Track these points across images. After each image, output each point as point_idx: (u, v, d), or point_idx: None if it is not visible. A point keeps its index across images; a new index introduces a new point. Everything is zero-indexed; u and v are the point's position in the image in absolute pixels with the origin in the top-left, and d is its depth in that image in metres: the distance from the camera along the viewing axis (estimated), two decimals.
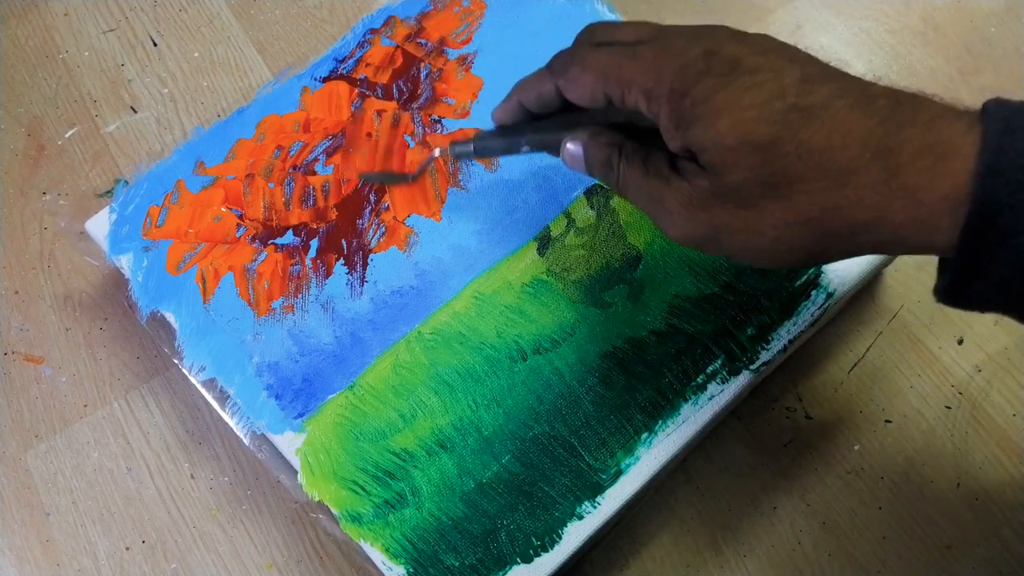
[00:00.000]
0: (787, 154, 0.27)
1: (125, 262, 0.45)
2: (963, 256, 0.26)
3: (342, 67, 0.50)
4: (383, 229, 0.45)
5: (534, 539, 0.39)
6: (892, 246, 0.28)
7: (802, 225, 0.28)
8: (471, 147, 0.39)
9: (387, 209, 0.46)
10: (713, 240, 0.30)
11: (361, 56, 0.50)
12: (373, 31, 0.51)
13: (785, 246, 0.29)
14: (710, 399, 0.41)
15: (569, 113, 0.35)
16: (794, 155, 0.27)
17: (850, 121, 0.27)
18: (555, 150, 0.36)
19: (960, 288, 0.27)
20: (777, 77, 0.28)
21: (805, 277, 0.43)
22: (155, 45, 0.57)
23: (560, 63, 0.34)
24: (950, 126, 0.26)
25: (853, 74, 0.29)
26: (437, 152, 0.41)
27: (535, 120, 0.37)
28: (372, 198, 0.46)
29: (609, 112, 0.34)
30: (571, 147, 0.34)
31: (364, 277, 0.44)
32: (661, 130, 0.30)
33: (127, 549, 0.43)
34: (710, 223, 0.30)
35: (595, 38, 0.34)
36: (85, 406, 0.47)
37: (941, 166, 0.26)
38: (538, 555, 0.38)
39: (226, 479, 0.45)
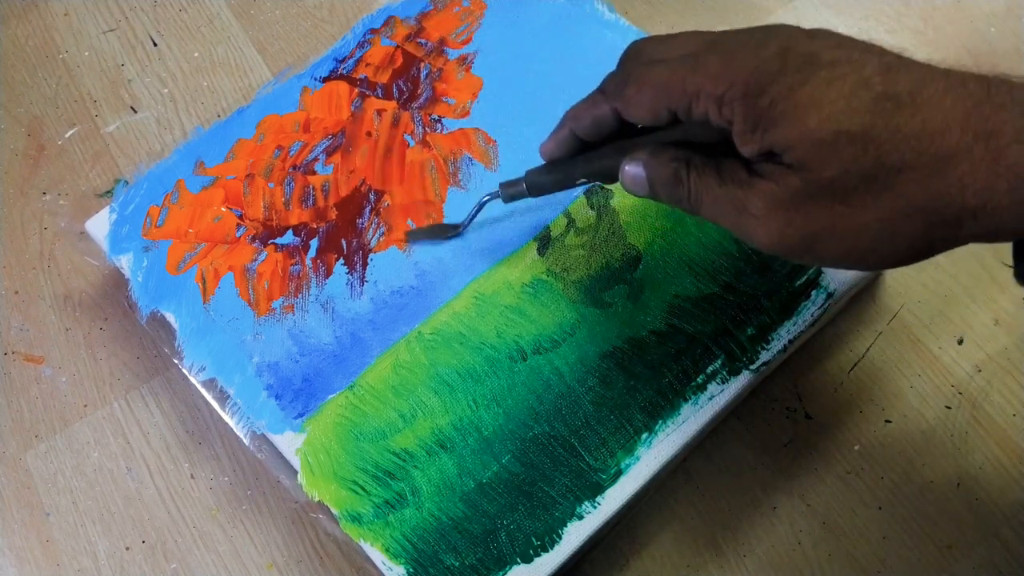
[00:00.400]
0: (883, 142, 0.26)
1: (125, 262, 0.45)
2: None
3: (342, 67, 0.50)
4: (383, 229, 0.45)
5: (534, 539, 0.39)
6: (995, 233, 0.27)
7: (907, 217, 0.27)
8: (523, 186, 0.37)
9: (387, 208, 0.46)
10: (810, 242, 0.29)
11: (361, 56, 0.50)
12: (373, 31, 0.51)
13: (890, 242, 0.28)
14: (710, 399, 0.41)
15: (620, 140, 0.34)
16: (891, 143, 0.26)
17: (944, 105, 0.26)
18: (611, 178, 0.35)
19: None
20: (857, 68, 0.27)
21: (805, 277, 0.43)
22: (155, 45, 0.57)
23: (615, 84, 0.33)
24: None
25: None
26: (486, 197, 0.40)
27: (587, 150, 0.35)
28: (372, 197, 0.46)
29: (664, 133, 0.33)
30: (631, 169, 0.33)
31: (364, 277, 0.44)
32: (734, 136, 0.29)
33: (127, 549, 0.43)
34: (806, 224, 0.28)
35: (645, 55, 0.33)
36: (85, 406, 0.47)
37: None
38: (538, 555, 0.38)
39: (226, 479, 0.45)
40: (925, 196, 0.27)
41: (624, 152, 0.34)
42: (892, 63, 0.27)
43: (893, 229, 0.28)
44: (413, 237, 0.45)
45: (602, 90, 0.34)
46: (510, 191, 0.38)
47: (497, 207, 0.45)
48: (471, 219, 0.43)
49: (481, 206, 0.42)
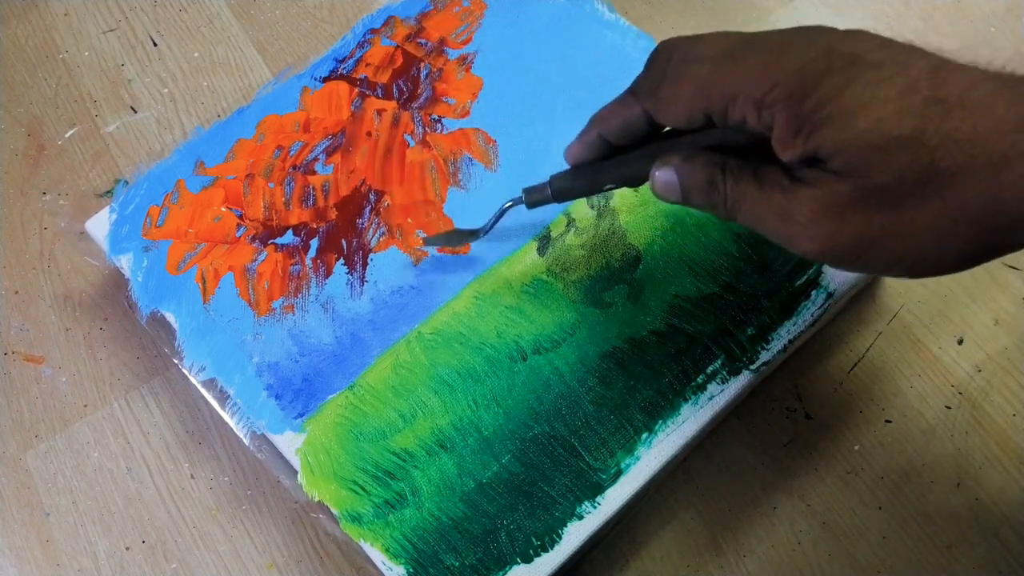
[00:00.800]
0: (935, 147, 0.26)
1: (125, 262, 0.45)
2: None
3: (342, 67, 0.50)
4: (383, 229, 0.45)
5: (534, 539, 0.39)
6: None
7: (959, 223, 0.26)
8: (548, 192, 0.36)
9: (387, 208, 0.46)
10: (860, 250, 0.28)
11: (361, 56, 0.50)
12: (373, 31, 0.51)
13: (942, 248, 0.27)
14: (710, 399, 0.41)
15: (650, 144, 0.33)
16: (942, 148, 0.25)
17: (997, 108, 0.25)
18: (641, 182, 0.34)
19: None
20: (904, 70, 0.26)
21: (805, 277, 0.43)
22: (155, 45, 0.57)
23: (648, 83, 0.31)
24: None
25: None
26: (508, 203, 0.39)
27: (614, 154, 0.34)
28: (372, 198, 0.46)
29: (695, 137, 0.32)
30: (663, 175, 0.32)
31: (364, 277, 0.44)
32: (774, 141, 0.28)
33: (127, 549, 0.43)
34: (857, 232, 0.27)
35: (679, 54, 0.31)
36: (85, 406, 0.47)
37: None
38: (538, 555, 0.38)
39: (226, 479, 0.45)
40: (978, 202, 0.26)
41: (654, 156, 0.32)
42: (939, 65, 0.27)
43: (945, 235, 0.27)
44: (432, 243, 0.44)
45: (633, 91, 0.32)
46: (534, 197, 0.36)
47: (497, 207, 0.45)
48: (492, 225, 0.42)
49: (503, 212, 0.41)
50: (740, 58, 0.29)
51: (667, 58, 0.31)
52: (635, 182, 0.34)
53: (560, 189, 0.36)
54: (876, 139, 0.26)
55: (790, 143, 0.28)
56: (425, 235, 0.44)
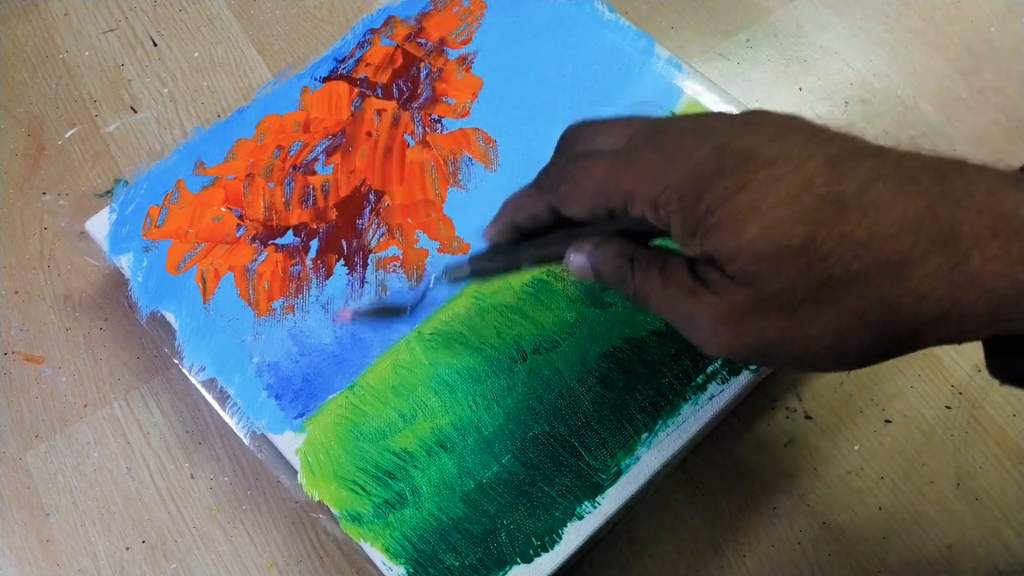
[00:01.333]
0: (828, 253, 0.24)
1: (125, 262, 0.45)
2: None
3: (342, 67, 0.50)
4: (383, 229, 0.45)
5: (534, 539, 0.39)
6: (960, 338, 0.25)
7: (857, 329, 0.25)
8: (467, 270, 0.36)
9: (388, 208, 0.46)
10: (760, 353, 0.27)
11: (361, 56, 0.50)
12: (373, 31, 0.51)
13: (839, 352, 0.26)
14: (710, 399, 0.41)
15: (566, 228, 0.33)
16: (836, 253, 0.24)
17: (895, 206, 0.24)
18: (558, 263, 0.34)
19: None
20: (799, 166, 0.25)
21: None
22: (155, 45, 0.57)
23: (549, 181, 0.31)
24: (1011, 199, 0.23)
25: (879, 143, 0.26)
26: (431, 281, 0.40)
27: (531, 236, 0.34)
28: (372, 198, 0.46)
29: (614, 219, 0.31)
30: (576, 259, 0.31)
31: (364, 277, 0.44)
32: (675, 239, 0.28)
33: (127, 549, 0.43)
34: (755, 337, 0.26)
35: (580, 146, 0.31)
36: (85, 406, 0.47)
37: (1012, 248, 0.23)
38: (538, 555, 0.38)
39: (226, 479, 0.45)
40: (877, 308, 0.24)
41: (570, 240, 0.32)
42: (837, 156, 0.25)
43: (842, 340, 0.25)
44: (360, 319, 0.43)
45: (538, 184, 0.32)
46: (455, 275, 0.37)
47: (497, 207, 0.45)
48: (418, 301, 0.43)
49: (428, 288, 0.42)
50: (635, 156, 0.28)
51: (570, 150, 0.31)
52: (552, 262, 0.34)
53: (478, 269, 0.36)
54: (766, 248, 0.25)
55: (688, 242, 0.27)
56: (356, 310, 0.43)
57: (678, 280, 0.28)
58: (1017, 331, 0.24)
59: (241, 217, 0.46)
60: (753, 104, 0.49)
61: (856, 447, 0.44)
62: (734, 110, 0.48)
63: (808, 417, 0.45)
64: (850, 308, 0.25)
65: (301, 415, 0.41)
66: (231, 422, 0.42)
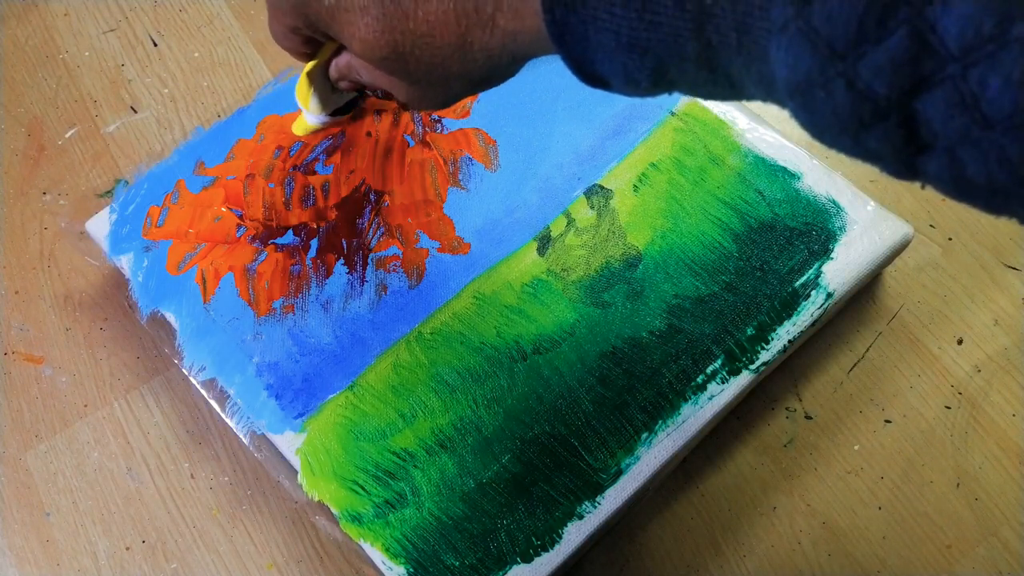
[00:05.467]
0: (410, 50, 0.30)
1: (125, 262, 0.45)
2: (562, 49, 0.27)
3: None
4: (383, 229, 0.45)
5: (534, 539, 0.39)
6: (521, 60, 0.31)
7: (454, 89, 0.32)
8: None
9: (387, 208, 0.46)
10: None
11: None
12: None
13: (448, 100, 0.33)
14: (710, 399, 0.41)
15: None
16: (416, 47, 0.30)
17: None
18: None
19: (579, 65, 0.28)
20: None
21: (805, 277, 0.43)
22: (155, 45, 0.57)
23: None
24: None
25: None
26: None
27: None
28: (372, 197, 0.46)
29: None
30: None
31: (364, 277, 0.44)
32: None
33: (127, 549, 0.43)
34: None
35: None
36: (85, 406, 0.47)
37: (523, 8, 0.27)
38: (538, 555, 0.38)
39: (226, 479, 0.45)
40: (458, 77, 0.31)
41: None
42: None
43: (450, 95, 0.33)
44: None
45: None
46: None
47: (497, 208, 0.45)
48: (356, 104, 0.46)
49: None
50: None
51: None
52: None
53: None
54: (370, 57, 0.32)
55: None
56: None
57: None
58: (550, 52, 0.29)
59: (241, 217, 0.46)
60: (754, 107, 0.49)
61: (856, 447, 0.44)
62: (734, 109, 0.48)
63: (808, 417, 0.45)
64: (438, 82, 0.31)
65: (301, 415, 0.41)
66: (231, 422, 0.42)
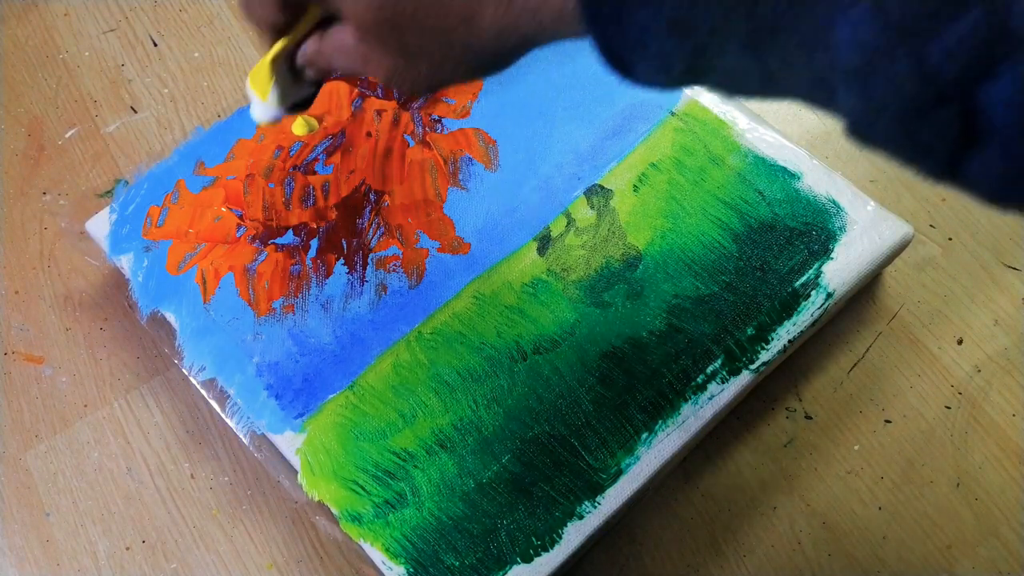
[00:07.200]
0: (411, 20, 0.27)
1: (125, 262, 0.45)
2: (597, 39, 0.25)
3: None
4: (383, 229, 0.45)
5: (534, 539, 0.39)
6: (533, 44, 0.28)
7: (455, 62, 0.29)
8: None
9: (387, 208, 0.46)
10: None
11: None
12: None
13: (444, 79, 0.30)
14: (710, 399, 0.41)
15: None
16: (419, 17, 0.27)
17: None
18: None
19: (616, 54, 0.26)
20: None
21: (805, 277, 0.43)
22: (155, 45, 0.57)
23: None
24: None
25: None
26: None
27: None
28: (372, 197, 0.46)
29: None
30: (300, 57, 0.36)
31: (364, 277, 0.44)
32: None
33: (127, 549, 0.43)
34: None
35: None
36: (85, 406, 0.47)
37: None
38: (538, 555, 0.38)
39: (226, 479, 0.45)
40: (463, 48, 0.28)
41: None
42: None
43: (443, 70, 0.30)
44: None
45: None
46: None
47: (497, 208, 0.45)
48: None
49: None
50: None
51: None
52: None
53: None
54: (371, 23, 0.28)
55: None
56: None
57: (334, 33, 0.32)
58: (575, 35, 0.27)
59: (241, 217, 0.46)
60: (754, 107, 0.49)
61: (856, 447, 0.44)
62: (734, 109, 0.48)
63: (808, 417, 0.45)
64: (431, 58, 0.29)
65: (301, 415, 0.41)
66: (231, 422, 0.42)
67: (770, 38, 0.21)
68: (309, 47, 0.35)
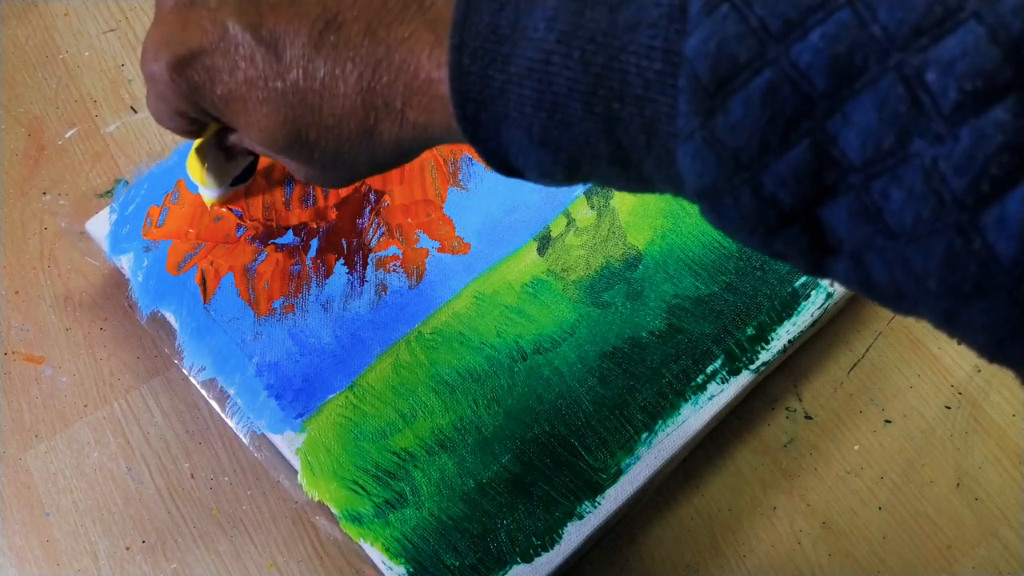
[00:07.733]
0: (316, 140, 0.28)
1: (125, 262, 0.45)
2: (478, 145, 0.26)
3: None
4: (383, 229, 0.45)
5: (534, 539, 0.39)
6: (430, 144, 0.29)
7: (359, 171, 0.30)
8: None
9: (387, 207, 0.46)
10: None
11: None
12: None
13: (356, 176, 0.31)
14: (710, 399, 0.41)
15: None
16: (322, 138, 0.28)
17: (345, 81, 0.27)
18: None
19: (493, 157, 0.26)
20: (245, 55, 0.28)
21: (805, 277, 0.43)
22: None
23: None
24: (426, 61, 0.25)
25: None
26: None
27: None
28: (372, 197, 0.46)
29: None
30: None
31: (364, 277, 0.44)
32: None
33: (127, 549, 0.43)
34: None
35: None
36: (85, 406, 0.47)
37: (432, 105, 0.26)
38: (538, 555, 0.38)
39: (226, 479, 0.45)
40: (365, 163, 0.29)
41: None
42: (272, 31, 0.27)
43: (355, 176, 0.30)
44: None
45: None
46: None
47: (497, 208, 0.45)
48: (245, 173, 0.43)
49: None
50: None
51: None
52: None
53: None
54: (269, 145, 0.29)
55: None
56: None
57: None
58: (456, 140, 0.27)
59: (241, 217, 0.46)
60: None
61: (856, 447, 0.44)
62: None
63: (808, 417, 0.45)
64: (343, 166, 0.29)
65: (301, 415, 0.41)
66: (231, 422, 0.42)
67: (631, 155, 0.22)
68: (232, 136, 0.36)
